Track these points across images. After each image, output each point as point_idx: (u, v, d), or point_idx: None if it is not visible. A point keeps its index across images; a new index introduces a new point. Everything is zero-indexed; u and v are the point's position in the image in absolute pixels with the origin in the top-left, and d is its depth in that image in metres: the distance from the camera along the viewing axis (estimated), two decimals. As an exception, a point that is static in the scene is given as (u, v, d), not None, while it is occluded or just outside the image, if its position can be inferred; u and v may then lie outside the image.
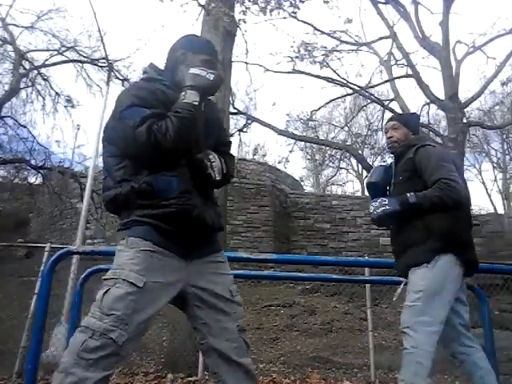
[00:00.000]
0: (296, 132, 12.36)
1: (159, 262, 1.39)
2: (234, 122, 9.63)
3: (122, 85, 11.65)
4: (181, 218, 1.41)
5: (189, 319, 1.53)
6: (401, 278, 2.11)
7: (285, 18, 8.17)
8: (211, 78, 1.49)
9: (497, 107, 16.13)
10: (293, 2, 7.56)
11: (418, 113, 11.28)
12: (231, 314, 1.50)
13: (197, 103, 1.45)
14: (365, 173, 19.35)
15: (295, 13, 7.87)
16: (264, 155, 18.74)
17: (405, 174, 1.98)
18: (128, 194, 1.41)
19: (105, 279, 1.36)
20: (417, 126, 2.31)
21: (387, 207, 1.88)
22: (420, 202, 1.84)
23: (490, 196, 30.63)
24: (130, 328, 1.30)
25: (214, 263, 1.56)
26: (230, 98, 6.95)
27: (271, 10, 7.07)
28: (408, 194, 1.86)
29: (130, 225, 1.42)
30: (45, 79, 11.95)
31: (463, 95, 11.41)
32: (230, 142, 1.83)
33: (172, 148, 1.39)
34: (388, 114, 13.02)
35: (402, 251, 1.95)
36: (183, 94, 1.46)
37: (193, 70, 1.51)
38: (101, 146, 1.62)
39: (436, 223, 1.85)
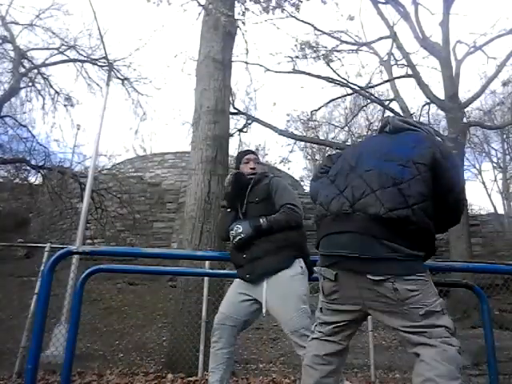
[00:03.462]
0: (296, 132, 12.35)
1: None
2: (234, 122, 9.61)
3: (122, 84, 11.65)
4: None
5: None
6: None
7: (286, 17, 8.18)
8: None
9: (497, 107, 16.10)
10: (290, 1, 7.58)
11: (418, 113, 11.33)
12: None
13: None
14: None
15: (298, 9, 7.86)
16: (265, 155, 18.70)
17: (260, 196, 2.38)
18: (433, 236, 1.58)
19: (439, 311, 1.47)
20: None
21: (242, 235, 2.21)
22: (271, 225, 2.23)
23: (490, 196, 30.86)
24: None
25: None
26: (230, 98, 6.94)
27: (273, 9, 7.09)
28: (261, 220, 2.23)
29: (421, 259, 1.56)
30: (45, 78, 11.91)
31: (463, 95, 11.43)
32: None
33: None
34: (388, 114, 13.03)
35: (260, 257, 2.22)
36: None
37: None
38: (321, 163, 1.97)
39: (291, 235, 2.27)
